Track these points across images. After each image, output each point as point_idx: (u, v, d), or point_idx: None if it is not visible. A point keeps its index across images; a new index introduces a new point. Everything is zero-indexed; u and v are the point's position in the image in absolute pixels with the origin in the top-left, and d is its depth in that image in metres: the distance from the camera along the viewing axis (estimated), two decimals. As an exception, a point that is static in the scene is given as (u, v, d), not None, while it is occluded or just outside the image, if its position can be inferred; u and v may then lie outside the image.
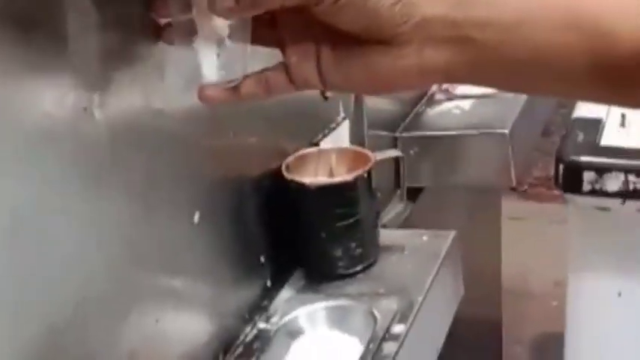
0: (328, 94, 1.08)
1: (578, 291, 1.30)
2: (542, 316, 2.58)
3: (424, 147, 1.31)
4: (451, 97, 1.44)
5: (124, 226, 0.75)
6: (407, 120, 1.36)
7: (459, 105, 1.40)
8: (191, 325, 0.88)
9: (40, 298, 0.66)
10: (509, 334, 2.32)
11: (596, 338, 1.30)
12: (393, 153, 1.04)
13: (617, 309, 1.27)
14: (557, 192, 3.45)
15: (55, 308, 0.68)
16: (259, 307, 0.98)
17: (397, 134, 1.31)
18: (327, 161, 1.03)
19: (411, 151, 1.30)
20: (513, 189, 3.37)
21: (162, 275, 0.83)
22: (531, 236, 2.95)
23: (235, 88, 0.59)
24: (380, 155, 1.01)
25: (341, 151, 1.04)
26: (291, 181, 0.97)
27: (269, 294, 1.00)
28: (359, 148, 1.04)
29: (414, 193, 1.35)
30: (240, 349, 0.92)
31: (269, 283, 1.00)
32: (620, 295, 1.26)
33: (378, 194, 1.00)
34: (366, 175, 0.98)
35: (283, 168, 0.99)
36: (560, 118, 3.40)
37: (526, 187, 3.49)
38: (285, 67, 0.58)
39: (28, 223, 0.64)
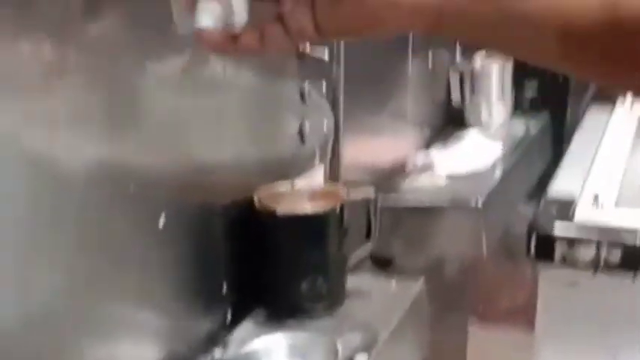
0: (306, 135, 1.08)
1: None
2: None
3: (396, 216, 1.31)
4: (426, 173, 1.45)
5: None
6: (381, 190, 1.36)
7: (435, 181, 1.40)
8: (144, 349, 0.84)
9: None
10: None
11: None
12: (367, 191, 1.04)
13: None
14: (523, 323, 3.43)
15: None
16: (217, 338, 0.94)
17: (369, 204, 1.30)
18: (300, 199, 1.02)
19: (384, 221, 1.29)
20: (479, 317, 3.33)
21: (119, 292, 0.80)
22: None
23: (234, 38, 0.58)
24: (353, 193, 1.00)
25: (315, 191, 1.03)
26: (262, 208, 0.96)
27: (228, 327, 0.96)
28: (332, 186, 1.03)
29: (384, 265, 1.33)
30: (193, 374, 0.88)
31: (229, 317, 0.97)
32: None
33: (347, 229, 0.98)
34: (338, 210, 0.97)
35: (255, 198, 0.98)
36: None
37: (492, 316, 3.45)
38: (280, 18, 0.58)
39: None
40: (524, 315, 3.20)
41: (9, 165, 0.65)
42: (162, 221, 0.84)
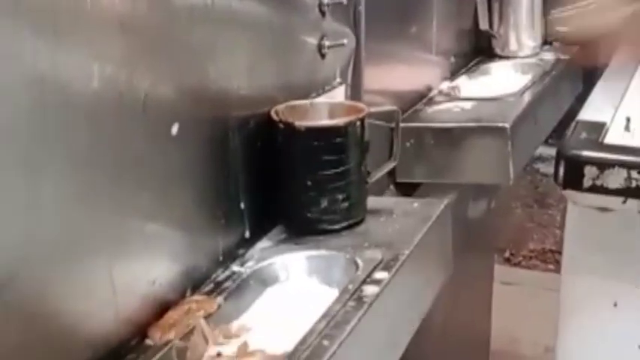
0: (325, 50, 1.05)
1: (571, 298, 1.23)
2: (532, 380, 2.50)
3: (421, 139, 1.27)
4: (452, 100, 1.40)
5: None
6: (405, 114, 1.32)
7: (460, 105, 1.36)
8: (158, 259, 0.82)
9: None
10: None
11: (589, 349, 1.22)
12: (389, 108, 1.00)
13: (612, 320, 1.20)
14: (552, 266, 3.41)
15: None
16: (235, 253, 0.92)
17: (392, 124, 1.26)
18: (318, 113, 0.98)
19: (408, 143, 1.26)
20: (507, 259, 3.31)
21: (136, 207, 0.77)
22: (523, 301, 2.89)
23: None
24: (374, 108, 0.97)
25: (334, 105, 1.00)
26: (280, 121, 0.93)
27: (246, 243, 0.94)
28: (353, 102, 0.99)
29: (407, 189, 1.30)
30: (210, 287, 0.86)
31: (247, 234, 0.94)
32: (616, 305, 1.20)
33: (369, 143, 0.95)
34: (358, 124, 0.93)
35: (272, 112, 0.94)
36: (559, 190, 3.37)
37: (520, 258, 3.43)
38: None
39: None
40: (552, 255, 3.19)
41: (20, 82, 0.62)
42: (175, 129, 0.81)
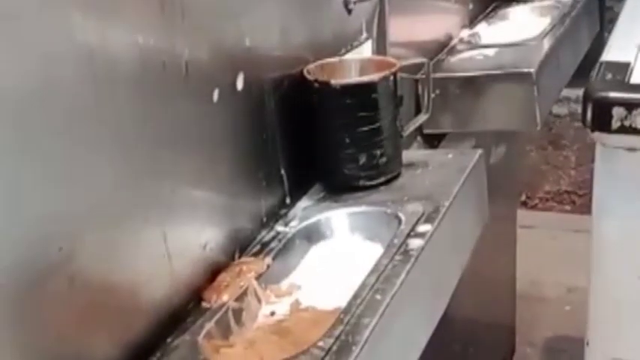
0: (352, 5, 1.05)
1: (603, 239, 1.24)
2: (554, 320, 2.54)
3: (446, 89, 1.27)
4: (474, 48, 1.40)
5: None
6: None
7: (483, 52, 1.36)
8: (206, 224, 0.83)
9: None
10: (521, 337, 2.30)
11: (622, 290, 1.24)
12: (418, 60, 1.00)
13: (644, 258, 1.22)
14: (568, 207, 3.40)
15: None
16: (277, 213, 0.93)
17: (418, 76, 1.27)
18: (349, 70, 0.99)
19: (433, 94, 1.26)
20: (524, 203, 3.32)
21: (181, 173, 0.78)
22: (544, 244, 2.90)
23: None
24: (405, 61, 0.97)
25: (364, 61, 1.00)
26: (315, 81, 0.93)
27: (287, 203, 0.95)
28: (382, 57, 1.00)
29: (433, 140, 1.31)
30: (257, 248, 0.87)
31: (287, 194, 0.96)
32: (648, 243, 1.21)
33: (402, 97, 0.95)
34: (392, 78, 0.94)
35: (305, 72, 0.95)
36: (573, 131, 3.36)
37: (537, 201, 3.43)
38: None
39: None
40: (568, 196, 3.19)
41: (64, 56, 0.63)
42: (216, 95, 0.82)
